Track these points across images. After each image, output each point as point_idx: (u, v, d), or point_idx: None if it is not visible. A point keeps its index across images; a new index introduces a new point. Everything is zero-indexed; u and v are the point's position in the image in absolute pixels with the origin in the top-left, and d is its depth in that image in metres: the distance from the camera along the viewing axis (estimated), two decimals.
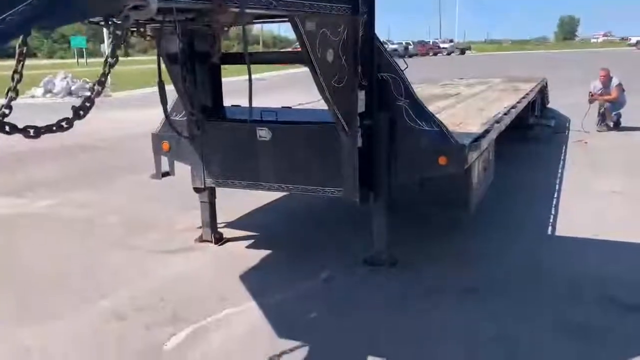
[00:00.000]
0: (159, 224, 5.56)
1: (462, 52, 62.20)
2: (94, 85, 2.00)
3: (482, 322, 3.49)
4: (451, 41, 70.69)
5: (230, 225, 5.38)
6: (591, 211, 5.57)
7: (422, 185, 4.19)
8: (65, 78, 21.27)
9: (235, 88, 4.00)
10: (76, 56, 44.63)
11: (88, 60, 41.73)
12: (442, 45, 62.95)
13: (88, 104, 2.00)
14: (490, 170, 4.97)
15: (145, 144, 5.28)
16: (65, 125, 1.97)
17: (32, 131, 1.87)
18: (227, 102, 4.78)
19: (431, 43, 63.60)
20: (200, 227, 5.01)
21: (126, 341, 3.40)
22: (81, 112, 1.99)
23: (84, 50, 42.37)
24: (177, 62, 3.73)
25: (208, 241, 4.92)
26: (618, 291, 3.83)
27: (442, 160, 3.87)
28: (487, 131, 4.69)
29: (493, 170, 5.12)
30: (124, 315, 3.71)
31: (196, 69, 4.08)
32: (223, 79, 4.61)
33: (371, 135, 3.97)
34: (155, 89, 3.30)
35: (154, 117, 4.95)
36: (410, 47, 54.56)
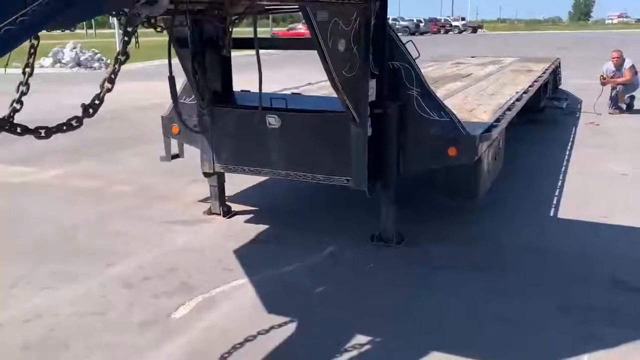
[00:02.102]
0: (167, 195, 5.63)
1: (474, 30, 61.33)
2: (104, 82, 1.99)
3: (487, 300, 3.52)
4: (463, 19, 69.52)
5: (238, 198, 5.42)
6: (599, 193, 5.56)
7: (430, 174, 4.17)
8: (74, 48, 21.22)
9: (241, 62, 3.98)
10: (85, 27, 44.39)
11: (97, 31, 41.51)
12: (454, 23, 61.91)
13: (98, 102, 1.99)
14: (500, 158, 4.94)
15: (149, 115, 5.27)
16: (75, 124, 1.97)
17: (43, 132, 1.88)
18: (234, 77, 4.72)
19: (443, 21, 62.58)
20: (209, 200, 5.07)
21: (135, 309, 3.46)
22: (91, 110, 1.98)
23: (92, 20, 42.14)
24: (187, 46, 3.71)
25: (217, 214, 4.98)
26: (624, 273, 3.83)
27: (452, 152, 3.85)
28: (498, 120, 4.64)
29: (503, 158, 5.09)
30: (132, 284, 3.78)
31: (206, 55, 4.05)
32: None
33: (381, 124, 3.94)
34: (157, 62, 3.29)
35: (157, 89, 4.93)
36: (421, 24, 53.77)
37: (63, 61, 20.91)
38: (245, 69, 5.16)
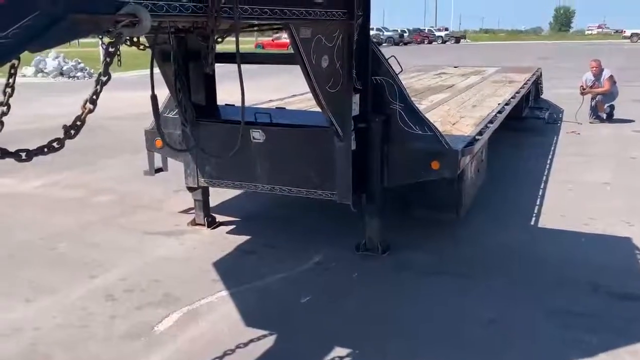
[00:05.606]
0: (150, 205, 5.62)
1: (457, 40, 62.15)
2: (85, 103, 1.98)
3: (472, 307, 3.56)
4: (446, 29, 70.51)
5: (223, 208, 5.41)
6: (581, 201, 5.63)
7: (414, 187, 4.20)
8: (57, 58, 21.04)
9: (224, 71, 4.02)
10: None
11: (81, 40, 41.21)
12: (437, 34, 62.65)
13: (79, 123, 1.98)
14: (483, 170, 4.99)
15: (131, 125, 5.22)
16: (57, 146, 1.96)
17: (24, 154, 1.86)
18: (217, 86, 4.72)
19: (426, 31, 63.29)
20: (192, 210, 5.06)
21: (117, 322, 3.44)
22: (72, 132, 1.97)
23: None
24: (169, 63, 3.72)
25: (201, 225, 4.96)
26: (605, 280, 3.90)
27: (434, 165, 3.88)
28: (480, 133, 4.70)
29: (485, 170, 5.14)
30: (115, 296, 3.76)
31: (189, 71, 4.06)
32: None
33: (365, 138, 3.96)
34: (140, 72, 3.27)
35: (141, 99, 4.91)
36: (405, 34, 54.40)
37: (45, 70, 20.72)
38: (222, 79, 5.18)
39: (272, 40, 40.65)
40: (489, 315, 3.45)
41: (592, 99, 10.33)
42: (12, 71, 2.22)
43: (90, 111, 2.00)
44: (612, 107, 10.31)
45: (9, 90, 2.22)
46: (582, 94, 10.39)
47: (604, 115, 10.29)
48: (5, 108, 2.20)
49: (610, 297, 3.69)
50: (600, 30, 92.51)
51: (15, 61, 2.14)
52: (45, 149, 1.93)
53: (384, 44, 44.11)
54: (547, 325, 3.33)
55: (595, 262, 4.21)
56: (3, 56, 1.64)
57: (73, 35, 1.91)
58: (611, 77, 10.26)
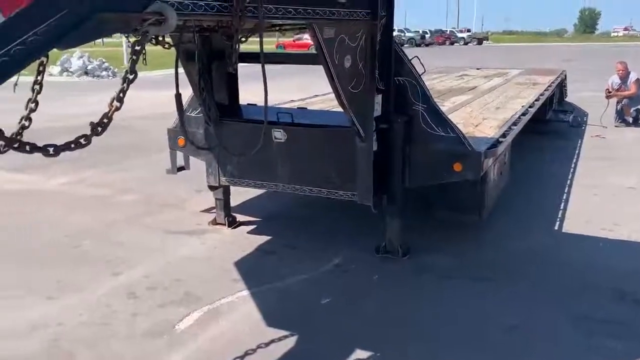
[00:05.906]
0: (173, 204, 5.67)
1: (480, 42, 61.54)
2: (112, 101, 2.00)
3: (494, 311, 3.53)
4: (469, 31, 70.07)
5: (243, 208, 5.44)
6: (606, 206, 5.54)
7: (436, 189, 4.17)
8: (81, 57, 21.38)
9: (247, 71, 4.04)
10: None
11: (105, 40, 41.77)
12: (459, 35, 62.25)
13: (106, 121, 2.00)
14: (505, 172, 4.94)
15: (155, 125, 5.26)
16: (84, 142, 1.98)
17: (51, 149, 1.89)
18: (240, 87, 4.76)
19: (448, 32, 62.95)
20: (213, 210, 5.09)
21: (139, 319, 3.47)
22: (99, 129, 1.99)
23: None
24: (194, 62, 3.74)
25: (222, 224, 4.99)
26: (630, 286, 3.83)
27: (457, 167, 3.85)
28: (504, 135, 4.65)
29: (508, 172, 5.08)
30: (137, 294, 3.79)
31: (213, 70, 4.08)
32: None
33: (387, 139, 3.95)
34: (163, 72, 3.30)
35: (165, 99, 4.94)
36: (427, 36, 54.19)
37: (71, 70, 21.07)
38: (245, 79, 5.20)
39: (294, 40, 40.68)
40: (511, 319, 3.41)
41: (618, 102, 10.15)
42: (41, 69, 2.25)
43: (117, 109, 2.02)
44: (638, 111, 10.11)
45: (37, 87, 2.25)
46: (608, 97, 10.21)
47: (630, 119, 10.10)
48: (33, 105, 2.23)
49: (636, 304, 3.62)
50: (627, 32, 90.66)
51: (43, 59, 2.18)
52: (72, 145, 1.95)
53: (405, 45, 44.00)
54: (570, 331, 3.29)
55: (620, 268, 4.13)
56: (32, 54, 1.66)
57: (101, 33, 1.93)
58: (638, 80, 10.06)
